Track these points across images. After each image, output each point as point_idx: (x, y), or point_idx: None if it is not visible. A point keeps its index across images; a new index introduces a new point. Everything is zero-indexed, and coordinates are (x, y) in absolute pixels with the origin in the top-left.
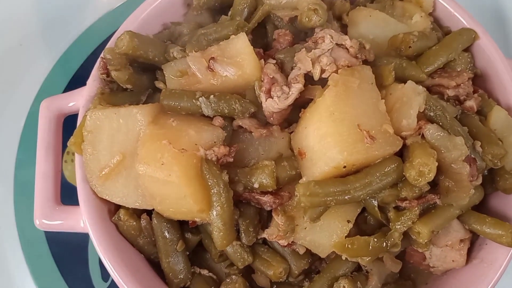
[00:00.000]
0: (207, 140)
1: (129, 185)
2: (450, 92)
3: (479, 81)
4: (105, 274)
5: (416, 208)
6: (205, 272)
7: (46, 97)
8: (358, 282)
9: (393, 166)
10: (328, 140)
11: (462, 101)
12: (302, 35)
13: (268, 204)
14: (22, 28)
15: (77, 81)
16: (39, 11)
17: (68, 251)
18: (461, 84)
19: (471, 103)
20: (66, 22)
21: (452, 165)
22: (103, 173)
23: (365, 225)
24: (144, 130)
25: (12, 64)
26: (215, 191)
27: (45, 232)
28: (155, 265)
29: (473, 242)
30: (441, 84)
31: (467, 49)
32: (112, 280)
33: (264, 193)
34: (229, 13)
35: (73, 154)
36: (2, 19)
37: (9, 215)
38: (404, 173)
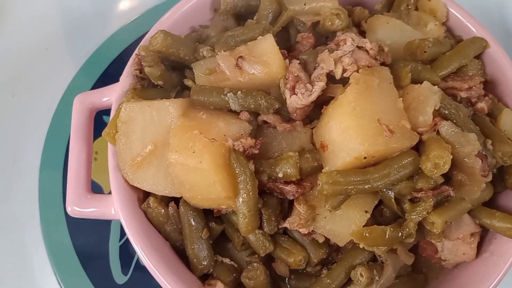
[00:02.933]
0: (234, 132)
1: (160, 174)
2: (463, 94)
3: (489, 87)
4: (125, 269)
5: (431, 199)
6: (227, 260)
7: (70, 101)
8: (374, 271)
9: (410, 159)
10: (350, 133)
11: (474, 103)
12: (323, 39)
13: (291, 194)
14: (48, 34)
15: (101, 85)
16: (64, 18)
17: (90, 245)
18: (473, 87)
19: (482, 105)
20: (90, 29)
21: (465, 159)
22: (135, 162)
23: (381, 217)
24: (176, 122)
25: (39, 68)
26: (242, 179)
27: (68, 226)
28: (180, 252)
29: (483, 237)
30: (454, 86)
31: (478, 57)
32: (132, 274)
33: (287, 183)
34: (255, 17)
35: (96, 152)
36: (30, 26)
37: (34, 210)
38: (420, 166)
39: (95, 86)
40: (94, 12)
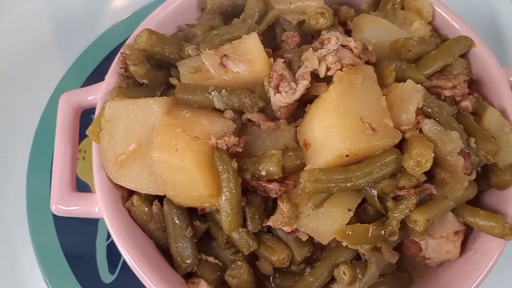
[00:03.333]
0: (218, 130)
1: (143, 172)
2: (447, 93)
3: (474, 86)
4: (112, 268)
5: (413, 197)
6: (211, 259)
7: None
8: (357, 269)
9: (393, 157)
10: (332, 131)
11: (458, 101)
12: (309, 38)
13: (274, 192)
14: (39, 34)
15: (90, 84)
16: (54, 18)
17: (77, 245)
18: (457, 86)
19: (466, 104)
20: (80, 29)
21: (448, 157)
22: (119, 160)
23: (364, 216)
24: (160, 120)
25: (29, 67)
26: (225, 177)
27: (56, 226)
28: (164, 251)
29: (468, 235)
30: (438, 85)
31: (463, 56)
32: (119, 273)
33: (271, 181)
34: (241, 16)
35: (85, 151)
36: (20, 25)
37: (21, 210)
38: (402, 164)
39: (84, 85)
40: (85, 11)
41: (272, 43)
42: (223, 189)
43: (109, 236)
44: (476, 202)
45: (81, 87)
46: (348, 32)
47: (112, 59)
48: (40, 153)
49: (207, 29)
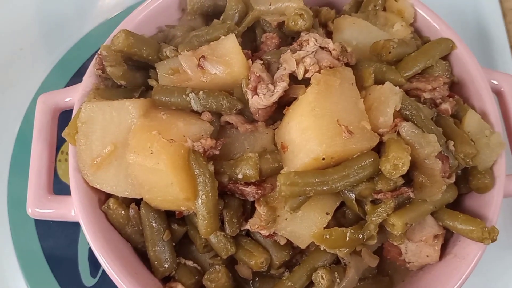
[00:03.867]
0: (195, 132)
1: (120, 175)
2: (426, 95)
3: (456, 88)
4: (93, 271)
5: (391, 201)
6: (190, 262)
7: None
8: (336, 273)
9: (370, 160)
10: (308, 133)
11: (438, 104)
12: (289, 40)
13: (251, 195)
14: (22, 34)
15: (74, 84)
16: (39, 17)
17: (59, 248)
18: (437, 88)
19: (446, 106)
20: (64, 28)
21: (425, 160)
22: (95, 162)
23: (343, 219)
24: (136, 122)
25: (12, 67)
26: (201, 180)
27: (37, 229)
28: (141, 255)
29: (448, 239)
30: (418, 87)
31: (445, 58)
32: (100, 277)
33: (248, 184)
34: (221, 17)
35: (67, 153)
36: (4, 25)
37: (2, 212)
38: (380, 167)
39: (68, 86)
40: (70, 11)
41: (252, 44)
42: (199, 192)
43: None
44: (456, 205)
45: (65, 87)
46: (329, 34)
47: None
48: (21, 155)
49: (187, 30)
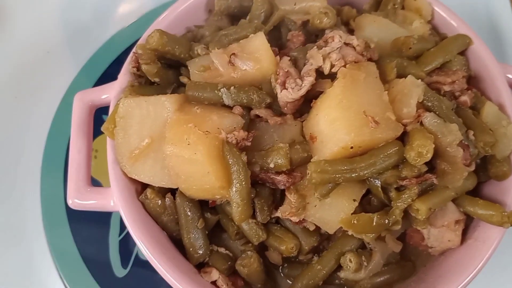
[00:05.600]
0: (228, 125)
1: (156, 166)
2: (446, 88)
3: (473, 81)
4: (124, 262)
5: (415, 187)
6: (222, 249)
7: (70, 102)
8: (363, 257)
9: (395, 148)
10: (337, 124)
11: (457, 96)
12: (313, 37)
13: (282, 183)
14: (50, 38)
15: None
16: (65, 22)
17: (91, 240)
18: (456, 81)
19: (465, 98)
20: (89, 33)
21: (448, 148)
22: (133, 155)
23: (369, 206)
24: (171, 116)
25: (41, 70)
26: (235, 169)
27: (70, 223)
28: (176, 242)
29: (468, 225)
30: (438, 81)
31: (462, 53)
32: (131, 267)
33: (279, 173)
34: (247, 17)
35: (96, 150)
36: (32, 30)
37: (36, 209)
38: (404, 155)
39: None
40: (94, 15)
41: (277, 42)
42: (234, 181)
43: (121, 231)
44: (476, 193)
45: None
46: (350, 32)
47: (121, 61)
48: (53, 154)
49: (214, 30)
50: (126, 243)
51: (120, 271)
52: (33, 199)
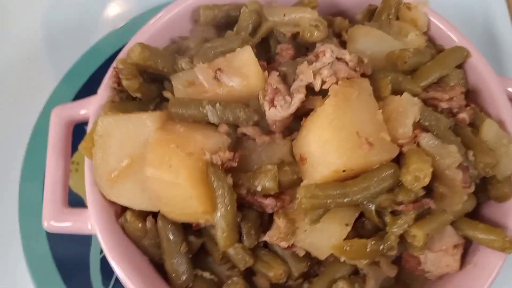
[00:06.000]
0: (212, 145)
1: (137, 188)
2: (444, 105)
3: (471, 96)
4: (105, 280)
5: (412, 212)
6: (207, 274)
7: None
8: (356, 284)
9: (390, 171)
10: (328, 146)
11: (455, 113)
12: (303, 50)
13: (270, 207)
14: (30, 43)
15: (83, 95)
16: (47, 28)
17: (70, 257)
18: (454, 98)
19: (463, 115)
20: (72, 39)
21: (446, 171)
22: (112, 176)
23: (362, 230)
24: (153, 135)
25: (20, 77)
26: (220, 193)
27: (48, 238)
28: (158, 267)
29: (467, 249)
30: (435, 97)
31: (460, 66)
32: (112, 287)
33: (266, 196)
34: (235, 29)
35: (78, 163)
36: (12, 34)
37: (13, 222)
38: (400, 179)
39: (77, 96)
40: (78, 21)
41: (266, 55)
42: (218, 205)
43: (102, 249)
44: (474, 214)
45: (75, 97)
46: (343, 43)
47: (105, 69)
48: (32, 165)
49: (200, 41)
50: (108, 262)
51: None
52: (11, 213)
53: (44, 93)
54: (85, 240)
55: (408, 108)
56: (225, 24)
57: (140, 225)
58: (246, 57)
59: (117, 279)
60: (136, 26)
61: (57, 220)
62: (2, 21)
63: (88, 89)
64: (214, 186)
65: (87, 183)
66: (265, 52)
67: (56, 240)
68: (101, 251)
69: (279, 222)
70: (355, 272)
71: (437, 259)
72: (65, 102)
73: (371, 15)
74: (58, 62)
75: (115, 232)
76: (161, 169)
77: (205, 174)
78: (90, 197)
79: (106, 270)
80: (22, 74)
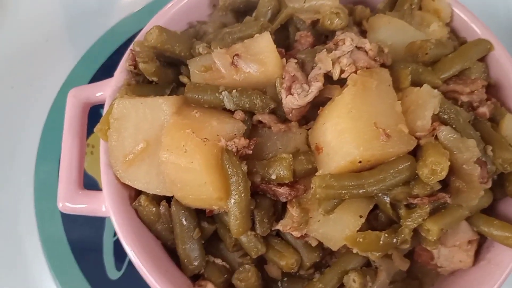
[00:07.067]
0: (228, 131)
1: (151, 172)
2: (464, 98)
3: (492, 90)
4: (118, 264)
5: (427, 206)
6: (218, 261)
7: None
8: (368, 276)
9: (407, 164)
10: (345, 136)
11: (475, 107)
12: (322, 38)
13: (284, 196)
14: (49, 25)
15: (100, 77)
16: (65, 10)
17: (84, 239)
18: (475, 91)
19: (483, 110)
20: (90, 21)
21: (464, 166)
22: (127, 159)
23: (376, 222)
24: (168, 119)
25: (39, 59)
26: (234, 180)
27: (63, 219)
28: (171, 252)
29: (481, 244)
30: (455, 90)
31: (482, 59)
32: (125, 270)
33: (281, 185)
34: (253, 14)
35: (93, 146)
36: (31, 16)
37: (29, 204)
38: (417, 171)
39: (93, 79)
40: (95, 4)
41: (284, 42)
42: (232, 192)
43: (116, 232)
44: (490, 210)
45: (91, 80)
46: (363, 33)
47: (122, 52)
48: (48, 146)
49: (218, 26)
50: (121, 245)
51: (113, 273)
52: (27, 193)
53: (61, 75)
54: (99, 223)
55: (427, 100)
56: (244, 9)
57: (153, 209)
58: (265, 43)
59: (130, 263)
60: (153, 10)
61: (72, 201)
62: (22, 3)
63: (105, 71)
64: (229, 172)
65: (102, 165)
66: (283, 39)
67: (70, 221)
68: (115, 234)
69: (293, 211)
70: (367, 264)
71: (450, 254)
72: (82, 84)
73: (392, 4)
74: (75, 45)
75: (129, 215)
76: (176, 153)
77: (220, 160)
78: (104, 179)
79: (119, 253)
80: (40, 55)
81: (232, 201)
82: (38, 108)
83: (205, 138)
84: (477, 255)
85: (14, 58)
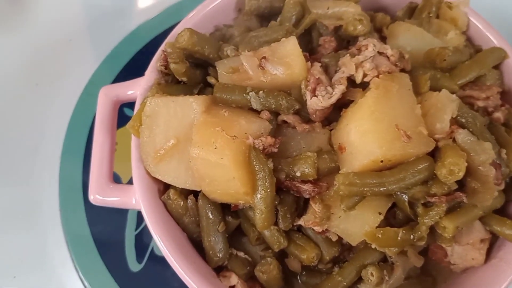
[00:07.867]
0: (255, 130)
1: (181, 167)
2: (480, 103)
3: (506, 96)
4: (139, 257)
5: (444, 205)
6: (241, 254)
7: (92, 92)
8: (384, 271)
9: (426, 164)
10: (368, 136)
11: (490, 112)
12: (344, 43)
13: (307, 192)
14: (72, 25)
15: (123, 77)
16: (89, 10)
17: (107, 232)
18: (490, 97)
19: (498, 115)
20: (113, 23)
21: (480, 167)
22: (158, 154)
23: (393, 219)
24: (198, 118)
25: (62, 58)
26: (261, 176)
27: (86, 213)
28: (196, 244)
29: (493, 243)
30: (471, 95)
31: (496, 67)
32: (146, 263)
33: (305, 182)
34: (278, 19)
35: (116, 143)
36: (54, 16)
37: (54, 198)
38: (435, 172)
39: (116, 79)
40: (118, 5)
41: (308, 47)
42: (259, 188)
43: (137, 226)
44: (502, 211)
45: (114, 80)
46: (383, 39)
47: (143, 54)
48: (73, 144)
49: (244, 30)
50: (142, 238)
51: (134, 266)
52: (51, 187)
53: (84, 74)
54: (121, 217)
55: (446, 104)
56: (268, 14)
57: (181, 203)
58: (291, 47)
59: (150, 256)
60: (173, 13)
61: (104, 194)
62: (46, 3)
63: (127, 72)
64: (256, 169)
65: (134, 160)
66: (306, 43)
67: (93, 214)
68: (136, 228)
69: (315, 207)
70: (384, 259)
71: (463, 252)
72: (105, 83)
73: (411, 12)
74: (98, 45)
75: (158, 208)
76: (206, 150)
77: (247, 157)
78: (136, 173)
79: (141, 247)
80: (64, 54)
81: (258, 196)
82: (62, 105)
83: (234, 136)
84: (489, 253)
85: (39, 56)
